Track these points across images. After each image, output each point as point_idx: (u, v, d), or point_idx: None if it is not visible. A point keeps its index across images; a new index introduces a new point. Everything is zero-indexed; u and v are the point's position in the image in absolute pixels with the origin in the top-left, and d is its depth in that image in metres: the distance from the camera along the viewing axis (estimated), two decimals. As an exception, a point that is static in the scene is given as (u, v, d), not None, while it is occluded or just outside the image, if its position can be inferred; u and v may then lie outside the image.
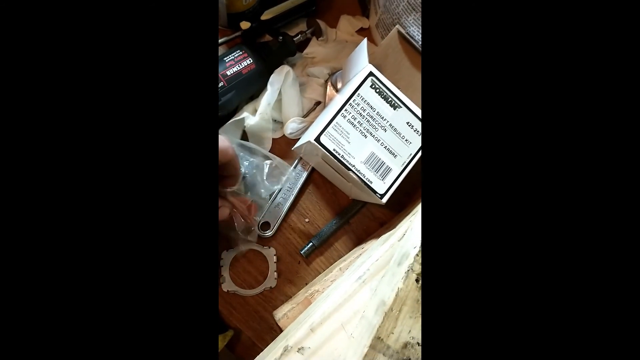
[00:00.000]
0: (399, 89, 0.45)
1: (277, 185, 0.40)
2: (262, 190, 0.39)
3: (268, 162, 0.39)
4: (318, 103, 0.46)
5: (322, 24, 0.48)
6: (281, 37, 0.43)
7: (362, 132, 0.36)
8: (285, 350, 0.33)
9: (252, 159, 0.39)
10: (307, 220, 0.45)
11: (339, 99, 0.36)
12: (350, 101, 0.36)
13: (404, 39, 0.42)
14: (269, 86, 0.41)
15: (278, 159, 0.40)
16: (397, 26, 0.43)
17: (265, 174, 0.39)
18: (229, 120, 0.42)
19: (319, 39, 0.48)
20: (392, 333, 0.30)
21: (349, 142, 0.36)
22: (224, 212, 0.34)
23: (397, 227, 0.38)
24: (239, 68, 0.40)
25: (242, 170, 0.37)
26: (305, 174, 0.44)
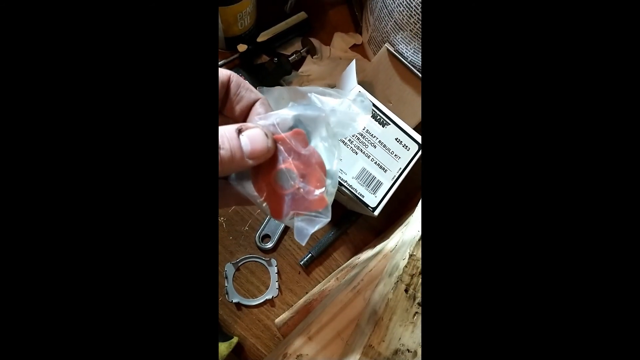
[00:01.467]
0: (390, 103, 0.47)
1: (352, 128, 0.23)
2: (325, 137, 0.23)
3: (340, 101, 0.23)
4: (314, 119, 0.48)
5: (316, 42, 0.50)
6: (276, 59, 0.45)
7: (352, 149, 0.38)
8: (284, 358, 0.35)
9: (307, 111, 0.22)
10: (306, 231, 0.47)
11: None
12: None
13: (394, 57, 0.44)
14: None
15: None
16: (386, 44, 0.44)
17: (327, 110, 0.23)
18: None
19: (314, 57, 0.50)
20: (383, 341, 0.32)
21: (341, 159, 0.38)
22: (256, 138, 0.21)
23: (391, 237, 0.40)
24: (236, 91, 0.42)
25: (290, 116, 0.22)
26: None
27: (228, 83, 0.22)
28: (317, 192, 0.22)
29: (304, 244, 0.26)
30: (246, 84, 0.23)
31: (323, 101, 0.23)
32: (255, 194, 0.23)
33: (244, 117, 0.23)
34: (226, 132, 0.20)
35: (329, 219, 0.23)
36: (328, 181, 0.23)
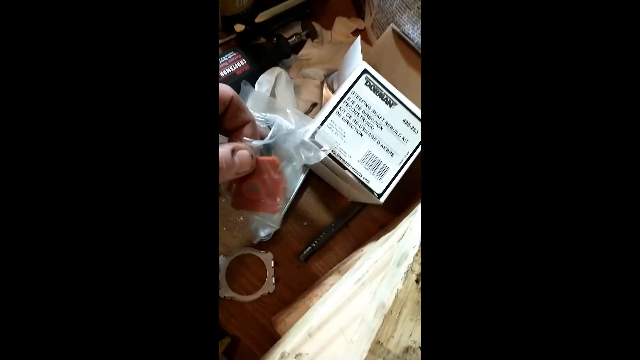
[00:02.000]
0: (394, 87, 0.45)
1: (315, 159, 0.30)
2: (296, 152, 0.30)
3: (305, 129, 0.31)
4: (314, 105, 0.46)
5: (317, 26, 0.48)
6: (275, 39, 0.43)
7: (357, 131, 0.35)
8: (282, 357, 0.32)
9: (280, 121, 0.29)
10: (305, 223, 0.44)
11: (334, 97, 0.36)
12: (345, 99, 0.35)
13: (399, 38, 0.42)
14: (256, 86, 0.40)
15: (316, 127, 0.32)
16: (392, 24, 0.42)
17: (298, 141, 0.30)
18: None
19: (314, 40, 0.47)
20: (393, 337, 0.29)
21: (345, 141, 0.35)
22: (243, 157, 0.25)
23: (397, 228, 0.37)
24: (232, 69, 0.39)
25: (275, 127, 0.29)
26: (302, 176, 0.43)
27: (229, 102, 0.26)
28: (276, 207, 0.29)
29: (255, 242, 0.35)
30: (243, 105, 0.27)
31: (297, 121, 0.30)
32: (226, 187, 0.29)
33: (234, 128, 0.27)
34: (223, 153, 0.24)
35: (278, 227, 0.33)
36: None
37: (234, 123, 0.27)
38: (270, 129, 0.29)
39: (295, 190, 0.38)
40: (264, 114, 0.29)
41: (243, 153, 0.25)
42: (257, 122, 0.28)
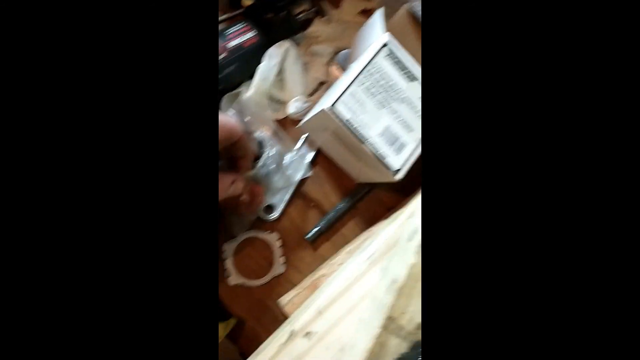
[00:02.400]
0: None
1: (295, 178, 0.39)
2: (277, 180, 0.38)
3: (291, 153, 0.39)
4: (322, 83, 0.45)
5: (325, 4, 0.47)
6: (284, 12, 0.42)
7: (377, 103, 0.34)
8: (291, 335, 0.31)
9: (277, 147, 0.38)
10: (312, 204, 0.43)
11: (355, 68, 0.35)
12: (366, 70, 0.34)
13: (413, 19, 0.41)
14: (266, 58, 0.39)
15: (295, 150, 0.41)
16: (405, 5, 0.41)
17: (284, 163, 0.38)
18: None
19: (323, 18, 0.46)
20: (405, 312, 0.28)
21: (365, 112, 0.33)
22: (237, 186, 0.33)
23: (406, 206, 0.36)
24: (240, 41, 0.38)
25: (265, 156, 0.37)
26: (311, 155, 0.42)
27: (239, 139, 0.32)
28: (253, 214, 0.40)
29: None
30: (247, 144, 0.33)
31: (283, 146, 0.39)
32: None
33: (236, 157, 0.34)
34: (223, 183, 0.32)
35: (248, 228, 0.41)
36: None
37: (236, 153, 0.33)
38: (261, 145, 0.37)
39: (295, 185, 0.42)
40: (257, 132, 0.38)
41: (238, 184, 0.33)
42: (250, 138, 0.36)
